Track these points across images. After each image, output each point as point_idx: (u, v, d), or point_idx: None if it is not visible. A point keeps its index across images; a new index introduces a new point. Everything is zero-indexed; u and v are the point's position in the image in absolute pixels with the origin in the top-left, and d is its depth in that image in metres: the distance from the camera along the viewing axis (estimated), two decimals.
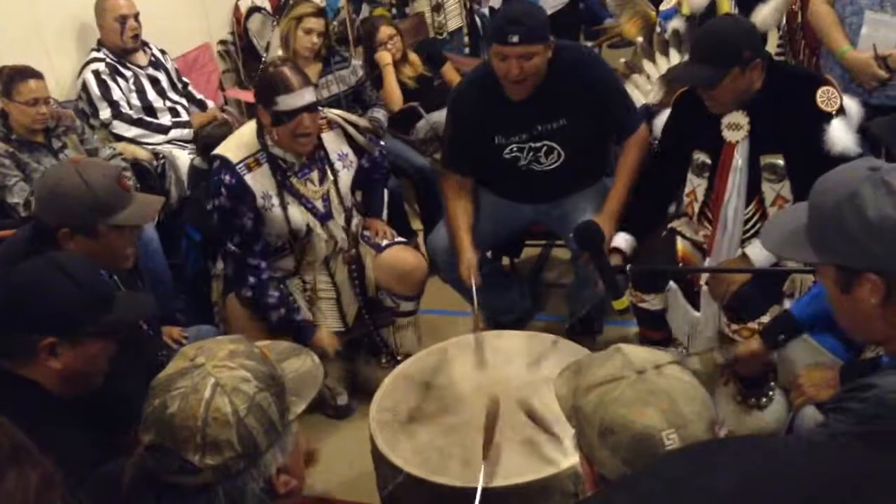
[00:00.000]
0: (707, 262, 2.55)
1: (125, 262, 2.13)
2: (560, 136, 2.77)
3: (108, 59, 3.81)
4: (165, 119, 3.86)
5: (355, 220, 2.92)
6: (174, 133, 3.79)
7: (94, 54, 3.83)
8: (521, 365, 2.25)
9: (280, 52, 3.83)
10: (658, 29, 3.56)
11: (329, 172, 2.77)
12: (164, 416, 1.19)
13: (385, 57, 4.01)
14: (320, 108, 2.73)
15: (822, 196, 1.33)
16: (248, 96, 4.19)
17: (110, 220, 2.03)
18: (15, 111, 3.18)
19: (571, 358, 2.16)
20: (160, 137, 3.76)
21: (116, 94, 3.76)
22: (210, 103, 4.14)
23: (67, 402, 1.64)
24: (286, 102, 2.54)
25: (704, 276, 2.51)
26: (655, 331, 2.67)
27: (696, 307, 2.52)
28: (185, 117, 3.90)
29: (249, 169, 2.65)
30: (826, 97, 2.32)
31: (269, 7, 5.06)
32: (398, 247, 2.94)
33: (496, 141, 2.80)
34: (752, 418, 2.47)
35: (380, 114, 3.81)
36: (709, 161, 2.49)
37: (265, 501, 1.22)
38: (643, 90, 3.45)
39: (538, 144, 2.79)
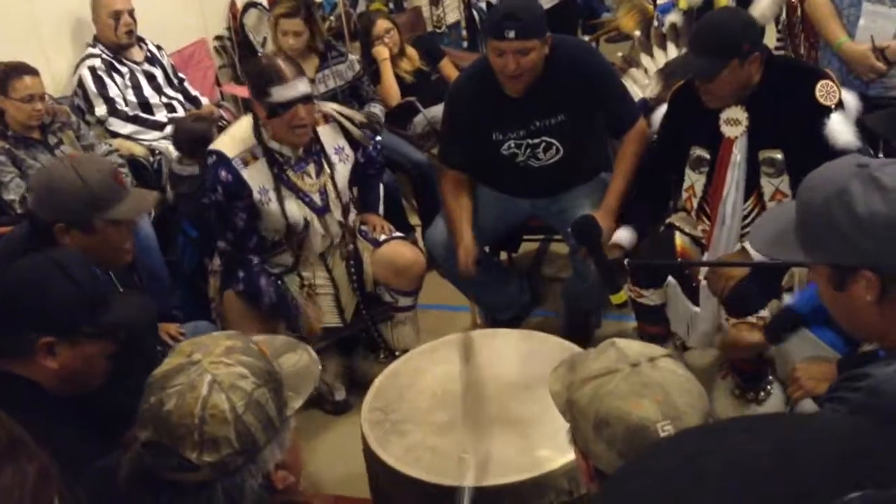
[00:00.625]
0: (705, 257, 2.55)
1: (122, 257, 2.13)
2: (558, 132, 2.76)
3: (104, 55, 3.80)
4: (162, 115, 3.84)
5: (352, 215, 2.91)
6: (170, 129, 3.78)
7: (90, 50, 3.82)
8: (515, 363, 2.24)
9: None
10: (655, 23, 3.55)
11: (326, 166, 2.76)
12: (161, 413, 1.18)
13: (383, 52, 3.99)
14: (316, 101, 2.72)
15: (811, 194, 1.32)
16: (244, 92, 4.17)
17: (106, 215, 2.02)
18: (11, 108, 3.17)
19: (564, 354, 2.18)
20: (156, 134, 3.75)
21: (112, 91, 3.75)
22: (205, 100, 4.12)
23: (64, 400, 1.63)
24: (280, 94, 2.53)
25: (703, 271, 2.50)
26: (653, 325, 2.67)
27: (695, 302, 2.52)
28: (181, 113, 3.89)
29: (246, 163, 2.65)
30: (825, 91, 2.32)
31: (265, 2, 5.04)
32: (396, 241, 2.94)
33: (493, 137, 2.79)
34: (749, 412, 2.47)
35: (377, 109, 3.80)
36: (707, 156, 2.49)
37: (264, 497, 1.22)
38: (641, 84, 3.44)
39: (536, 140, 2.78)
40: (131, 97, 3.81)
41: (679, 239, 2.56)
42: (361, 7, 5.00)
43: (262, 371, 1.24)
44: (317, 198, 2.76)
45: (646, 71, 3.48)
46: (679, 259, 2.54)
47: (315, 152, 2.75)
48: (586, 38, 5.26)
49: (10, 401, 1.25)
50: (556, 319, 3.28)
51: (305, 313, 2.77)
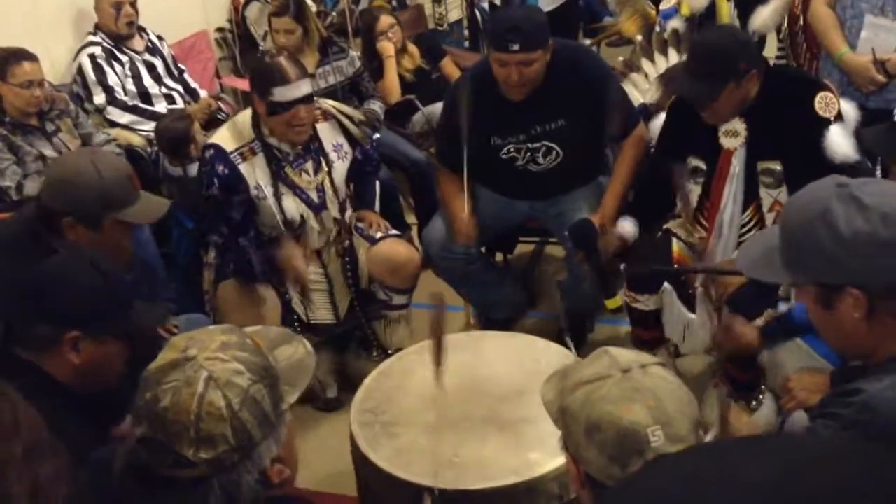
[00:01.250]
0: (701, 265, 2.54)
1: (122, 256, 2.13)
2: (558, 137, 2.76)
3: (104, 44, 3.79)
4: (161, 105, 3.83)
5: (349, 212, 2.90)
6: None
7: (91, 38, 3.81)
8: (507, 365, 2.23)
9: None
10: (657, 28, 3.55)
11: (324, 163, 2.76)
12: (157, 409, 1.18)
13: (388, 48, 3.98)
14: (315, 98, 2.72)
15: (794, 216, 1.35)
16: (244, 85, 4.16)
17: (118, 215, 2.03)
18: (9, 94, 3.15)
19: (557, 358, 2.19)
20: (154, 124, 3.74)
21: (112, 80, 3.74)
22: (203, 92, 4.11)
23: (77, 396, 1.63)
24: (282, 94, 2.53)
25: (700, 279, 2.50)
26: (647, 331, 2.67)
27: (691, 308, 2.52)
28: (180, 104, 3.88)
29: (244, 158, 2.64)
30: (824, 103, 2.32)
31: None
32: (392, 239, 2.94)
33: (493, 142, 2.79)
34: None
35: (376, 105, 3.79)
36: (703, 166, 2.49)
37: (260, 492, 1.22)
38: (641, 89, 3.44)
39: (536, 145, 2.78)
40: (131, 87, 3.80)
41: (676, 245, 2.56)
42: (363, 4, 4.99)
43: (257, 367, 1.23)
44: (314, 195, 2.75)
45: (646, 76, 3.48)
46: (675, 265, 2.54)
47: (314, 149, 2.75)
48: (587, 41, 5.25)
49: (25, 391, 1.25)
50: (550, 321, 3.28)
51: (283, 258, 2.71)
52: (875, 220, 1.26)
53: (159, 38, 4.04)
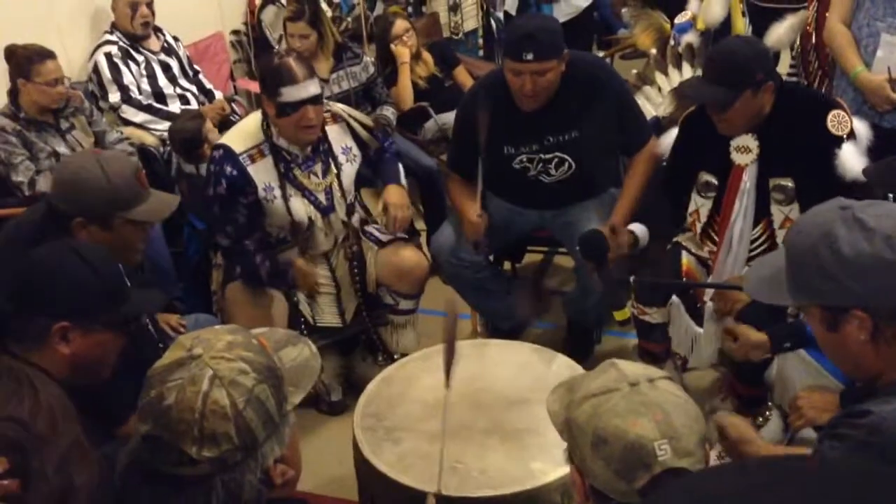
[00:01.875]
0: (710, 279, 2.54)
1: (134, 256, 2.14)
2: (571, 148, 2.76)
3: (120, 43, 3.82)
4: (175, 106, 3.85)
5: (356, 215, 2.91)
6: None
7: (107, 37, 3.83)
8: (509, 375, 2.23)
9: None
10: (672, 42, 3.54)
11: (332, 165, 2.77)
12: (161, 407, 1.18)
13: (404, 54, 3.98)
14: (326, 101, 2.73)
15: (798, 238, 1.36)
16: (258, 87, 4.19)
17: (126, 215, 2.04)
18: (34, 92, 3.18)
19: (562, 369, 2.19)
20: (168, 124, 3.75)
21: (127, 79, 3.76)
22: (218, 94, 4.13)
23: (70, 389, 1.63)
24: (290, 94, 2.54)
25: (708, 293, 2.50)
26: (655, 343, 2.66)
27: (699, 323, 2.51)
28: (194, 105, 3.90)
29: (253, 160, 2.65)
30: (837, 121, 2.32)
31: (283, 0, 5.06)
32: (400, 243, 2.93)
33: (505, 151, 2.79)
34: None
35: (389, 112, 3.79)
36: (714, 181, 2.49)
37: (263, 492, 1.22)
38: (654, 103, 3.44)
39: (549, 156, 2.78)
40: (145, 86, 3.82)
41: (685, 258, 2.56)
42: (379, 10, 5.01)
43: (262, 367, 1.23)
44: (322, 197, 2.76)
45: (660, 89, 3.47)
46: (684, 279, 2.53)
47: (322, 152, 2.76)
48: (601, 53, 5.26)
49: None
50: (557, 331, 3.27)
51: (297, 269, 2.75)
52: (878, 241, 1.27)
53: (175, 38, 4.06)
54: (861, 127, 2.38)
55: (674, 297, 2.54)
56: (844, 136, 2.30)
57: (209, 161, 2.79)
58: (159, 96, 3.84)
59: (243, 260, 2.72)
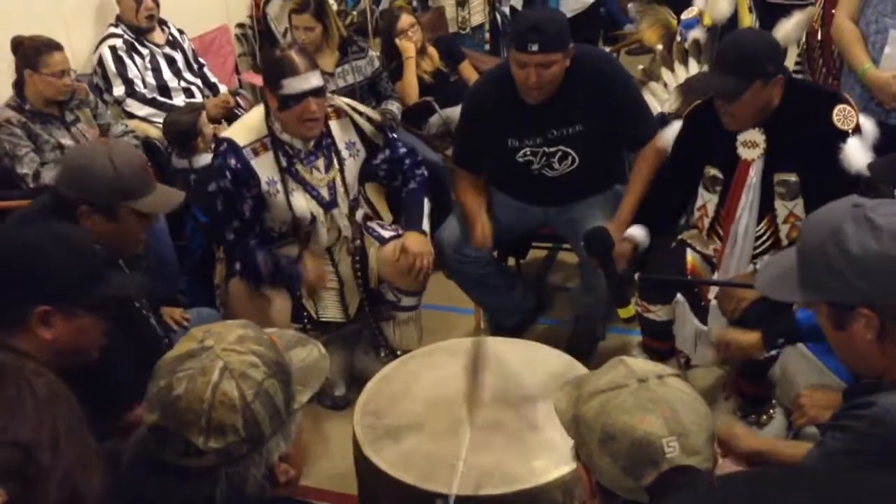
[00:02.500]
0: (716, 277, 2.53)
1: (136, 246, 2.15)
2: (575, 142, 2.76)
3: (125, 36, 3.81)
4: (179, 99, 3.85)
5: (360, 211, 2.90)
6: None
7: (113, 30, 3.83)
8: (511, 373, 2.21)
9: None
10: (678, 38, 3.53)
11: (335, 161, 2.76)
12: (170, 397, 1.18)
13: (409, 48, 3.97)
14: (330, 95, 2.72)
15: (808, 235, 1.37)
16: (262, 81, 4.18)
17: (132, 204, 2.04)
18: (41, 83, 3.19)
19: (565, 366, 2.17)
20: None
21: (132, 72, 3.76)
22: (223, 87, 4.13)
23: (64, 375, 1.63)
24: (292, 86, 2.53)
25: (713, 291, 2.49)
26: (659, 341, 2.66)
27: (703, 320, 2.51)
28: (199, 98, 3.90)
29: (256, 153, 2.65)
30: (842, 115, 2.30)
31: None
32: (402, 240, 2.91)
33: (509, 144, 2.79)
34: None
35: (394, 106, 3.79)
36: (721, 176, 2.48)
37: (266, 488, 1.22)
38: (659, 98, 3.43)
39: (552, 149, 2.78)
40: (150, 79, 3.82)
41: (690, 256, 2.55)
42: (384, 4, 5.00)
43: (273, 362, 1.24)
44: (325, 192, 2.75)
45: (665, 85, 3.47)
46: (689, 276, 2.53)
47: (326, 146, 2.75)
48: (607, 49, 5.25)
49: None
50: (561, 328, 3.27)
51: (305, 272, 2.75)
52: (886, 240, 1.27)
53: (180, 31, 4.06)
54: (867, 123, 2.36)
55: (678, 295, 2.54)
56: (850, 131, 2.29)
57: (213, 154, 2.79)
58: (164, 90, 3.84)
59: (245, 258, 2.72)
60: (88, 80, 3.71)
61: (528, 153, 2.79)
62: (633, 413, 1.17)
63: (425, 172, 2.95)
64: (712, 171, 2.49)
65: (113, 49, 3.75)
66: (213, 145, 3.21)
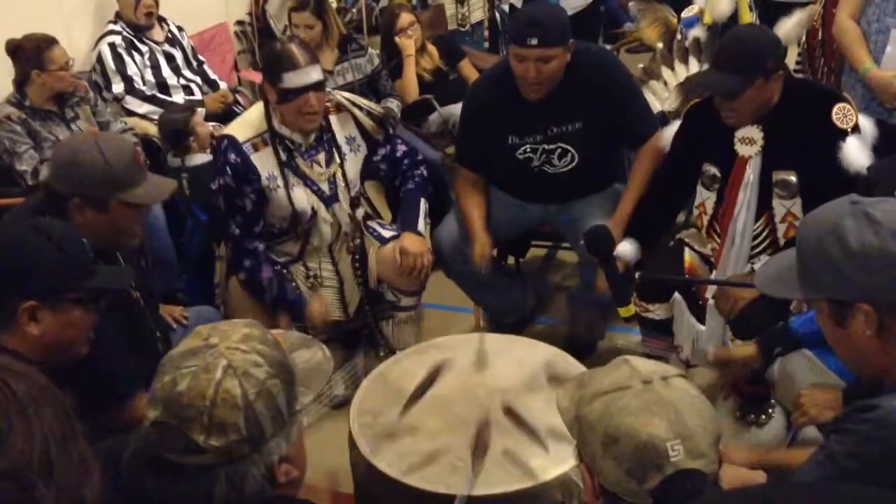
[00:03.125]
0: (714, 276, 2.53)
1: (131, 239, 2.13)
2: (574, 139, 2.75)
3: (124, 33, 3.81)
4: (179, 96, 3.84)
5: (361, 209, 2.89)
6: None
7: (112, 27, 3.82)
8: (512, 371, 2.21)
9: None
10: (679, 36, 3.53)
11: (336, 155, 2.75)
12: (173, 393, 1.18)
13: (409, 46, 3.97)
14: (330, 90, 2.71)
15: (807, 232, 1.37)
16: (261, 79, 4.17)
17: (123, 196, 2.02)
18: (50, 80, 3.19)
19: (564, 365, 2.17)
20: None
21: (131, 70, 3.75)
22: (223, 84, 4.12)
23: (45, 371, 1.62)
24: (292, 80, 2.52)
25: (710, 290, 2.48)
26: (658, 340, 2.66)
27: (701, 320, 2.50)
28: (198, 96, 3.89)
29: (256, 148, 2.65)
30: (842, 114, 2.30)
31: None
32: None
33: (510, 141, 2.78)
34: (749, 435, 2.46)
35: (393, 104, 3.79)
36: (719, 174, 2.47)
37: (265, 488, 1.22)
38: (660, 97, 3.43)
39: (552, 146, 2.77)
40: (149, 77, 3.81)
41: (688, 255, 2.55)
42: (384, 2, 4.99)
43: (276, 362, 1.24)
44: (325, 187, 2.75)
45: (665, 84, 3.46)
46: (686, 275, 2.52)
47: (326, 141, 2.74)
48: (608, 47, 5.23)
49: None
50: (560, 326, 3.26)
51: (310, 307, 2.76)
52: (885, 235, 1.27)
53: (179, 29, 4.05)
54: (866, 122, 2.36)
55: (676, 294, 2.53)
56: (849, 130, 2.28)
57: (214, 152, 2.79)
58: (163, 87, 3.83)
59: (252, 267, 2.71)
60: (88, 78, 3.71)
61: (528, 150, 2.79)
62: (638, 415, 1.16)
63: (424, 172, 2.95)
64: (712, 170, 2.49)
65: (112, 46, 3.74)
66: (209, 146, 3.21)
